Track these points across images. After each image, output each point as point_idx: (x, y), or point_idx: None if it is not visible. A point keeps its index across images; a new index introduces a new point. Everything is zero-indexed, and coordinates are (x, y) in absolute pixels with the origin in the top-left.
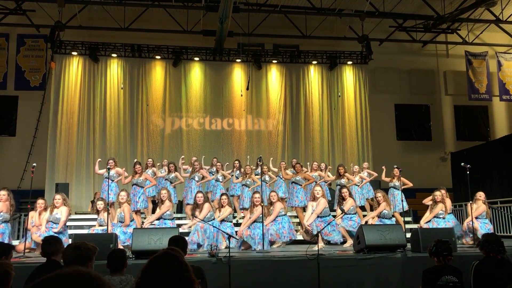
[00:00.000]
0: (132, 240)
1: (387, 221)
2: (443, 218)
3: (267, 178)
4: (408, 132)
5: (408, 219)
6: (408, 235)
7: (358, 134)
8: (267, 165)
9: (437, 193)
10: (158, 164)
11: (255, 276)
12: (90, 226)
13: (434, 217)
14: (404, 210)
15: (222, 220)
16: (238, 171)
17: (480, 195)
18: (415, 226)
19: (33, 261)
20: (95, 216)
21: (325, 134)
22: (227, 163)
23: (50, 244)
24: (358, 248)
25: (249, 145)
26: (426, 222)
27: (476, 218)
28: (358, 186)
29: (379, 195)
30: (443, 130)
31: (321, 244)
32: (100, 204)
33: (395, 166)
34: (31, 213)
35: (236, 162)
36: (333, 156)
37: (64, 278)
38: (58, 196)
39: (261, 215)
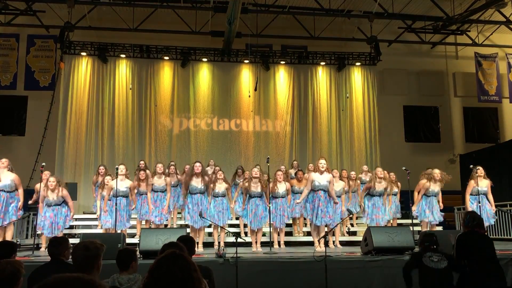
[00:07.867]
0: (140, 240)
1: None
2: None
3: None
4: (417, 133)
5: (416, 221)
6: (417, 237)
7: (366, 135)
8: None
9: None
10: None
11: (262, 277)
12: (98, 226)
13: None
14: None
15: (217, 196)
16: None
17: (481, 171)
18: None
19: (41, 260)
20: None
21: (333, 136)
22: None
23: (54, 246)
24: (366, 250)
25: (256, 146)
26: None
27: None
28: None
29: (380, 169)
30: (452, 132)
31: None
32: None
33: (404, 168)
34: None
35: (239, 170)
36: (341, 158)
37: (63, 282)
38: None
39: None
